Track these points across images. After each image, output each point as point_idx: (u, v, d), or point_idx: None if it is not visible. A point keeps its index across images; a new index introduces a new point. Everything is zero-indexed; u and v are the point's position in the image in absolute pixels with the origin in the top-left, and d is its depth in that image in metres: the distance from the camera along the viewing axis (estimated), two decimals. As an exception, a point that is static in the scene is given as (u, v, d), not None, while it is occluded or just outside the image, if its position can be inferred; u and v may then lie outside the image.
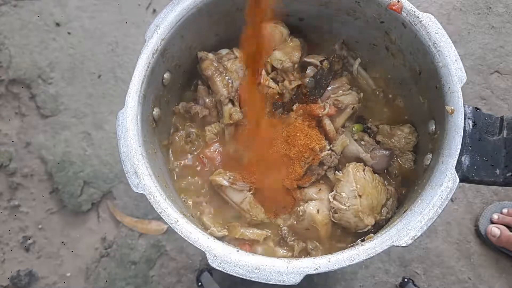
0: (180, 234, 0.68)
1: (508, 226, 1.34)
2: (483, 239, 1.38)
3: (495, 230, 1.33)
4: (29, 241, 1.44)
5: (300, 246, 0.84)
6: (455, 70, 0.74)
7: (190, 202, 0.89)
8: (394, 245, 0.65)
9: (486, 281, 1.37)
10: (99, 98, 1.56)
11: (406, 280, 1.34)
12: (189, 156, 0.93)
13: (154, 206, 0.70)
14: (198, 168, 0.92)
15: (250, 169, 0.87)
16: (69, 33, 1.62)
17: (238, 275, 0.64)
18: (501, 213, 1.37)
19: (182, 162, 0.93)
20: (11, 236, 1.44)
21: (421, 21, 0.77)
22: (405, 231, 0.66)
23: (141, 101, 0.77)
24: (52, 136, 1.52)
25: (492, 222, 1.36)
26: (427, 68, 0.79)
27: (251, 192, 0.85)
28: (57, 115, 1.54)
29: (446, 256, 1.39)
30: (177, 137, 0.94)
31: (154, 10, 1.64)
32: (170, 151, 0.93)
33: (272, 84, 0.93)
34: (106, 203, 1.46)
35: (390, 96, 0.96)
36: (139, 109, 0.76)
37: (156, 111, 0.84)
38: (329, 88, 0.93)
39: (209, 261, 0.65)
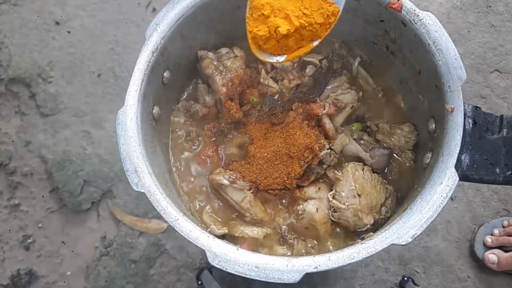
0: (180, 232, 0.68)
1: (503, 246, 1.33)
2: (482, 265, 1.35)
3: (492, 257, 1.31)
4: (29, 240, 1.44)
5: (299, 245, 0.84)
6: (455, 68, 0.74)
7: (190, 200, 0.89)
8: (394, 244, 0.66)
9: (485, 280, 1.37)
10: (99, 97, 1.56)
11: (405, 278, 1.35)
12: (189, 154, 0.93)
13: (154, 205, 0.70)
14: (198, 167, 0.92)
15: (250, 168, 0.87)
16: (68, 32, 1.62)
17: (238, 274, 0.64)
18: (493, 234, 1.36)
19: (182, 161, 0.93)
20: (11, 235, 1.44)
21: (421, 19, 0.77)
22: (404, 229, 0.66)
23: (141, 100, 0.77)
24: (52, 135, 1.52)
25: (486, 246, 1.35)
26: (427, 67, 0.79)
27: (251, 191, 0.85)
28: (57, 114, 1.54)
29: (446, 254, 1.40)
30: (177, 136, 0.94)
31: (154, 9, 1.64)
32: (170, 150, 0.93)
33: (272, 83, 0.93)
34: (106, 202, 1.46)
35: (390, 95, 0.96)
36: (139, 108, 0.76)
37: (156, 109, 0.84)
38: (329, 87, 0.93)
39: (209, 260, 0.65)
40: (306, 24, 0.70)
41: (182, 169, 0.92)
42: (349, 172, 0.82)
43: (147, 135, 0.79)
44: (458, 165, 0.71)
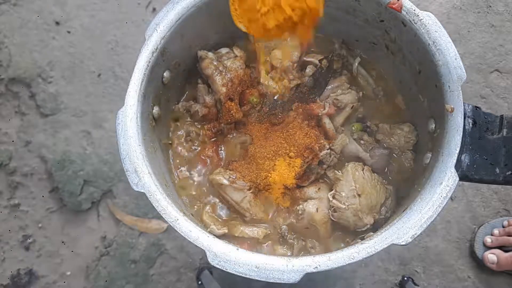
0: (180, 232, 0.68)
1: (503, 246, 1.33)
2: (482, 265, 1.35)
3: (492, 257, 1.31)
4: (29, 240, 1.44)
5: (299, 245, 0.84)
6: (454, 68, 0.74)
7: (189, 200, 0.89)
8: (393, 244, 0.66)
9: (485, 280, 1.37)
10: (99, 97, 1.56)
11: (405, 278, 1.35)
12: (189, 154, 0.93)
13: (154, 205, 0.70)
14: (198, 167, 0.92)
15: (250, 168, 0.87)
16: (68, 32, 1.62)
17: (238, 274, 0.64)
18: (493, 234, 1.36)
19: (182, 160, 0.93)
20: (11, 235, 1.44)
21: (421, 19, 0.77)
22: (404, 229, 0.66)
23: (141, 100, 0.77)
24: (52, 135, 1.52)
25: (486, 246, 1.35)
26: (426, 67, 0.79)
27: (251, 191, 0.85)
28: (57, 114, 1.54)
29: (446, 254, 1.40)
30: (176, 136, 0.94)
31: (154, 9, 1.64)
32: (170, 150, 0.93)
33: (272, 83, 0.93)
34: (106, 202, 1.46)
35: (390, 95, 0.96)
36: (139, 108, 0.76)
37: (155, 109, 0.84)
38: (329, 87, 0.93)
39: (209, 260, 0.65)
40: (298, 15, 0.66)
41: (182, 168, 0.92)
42: (349, 172, 0.82)
43: (147, 135, 0.79)
44: (458, 165, 0.71)
